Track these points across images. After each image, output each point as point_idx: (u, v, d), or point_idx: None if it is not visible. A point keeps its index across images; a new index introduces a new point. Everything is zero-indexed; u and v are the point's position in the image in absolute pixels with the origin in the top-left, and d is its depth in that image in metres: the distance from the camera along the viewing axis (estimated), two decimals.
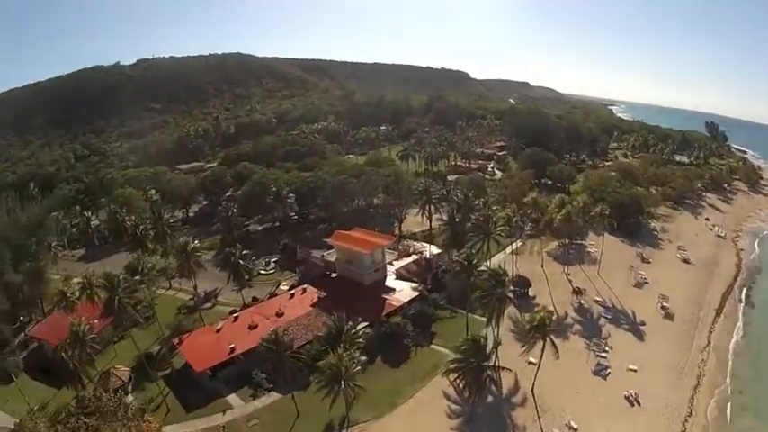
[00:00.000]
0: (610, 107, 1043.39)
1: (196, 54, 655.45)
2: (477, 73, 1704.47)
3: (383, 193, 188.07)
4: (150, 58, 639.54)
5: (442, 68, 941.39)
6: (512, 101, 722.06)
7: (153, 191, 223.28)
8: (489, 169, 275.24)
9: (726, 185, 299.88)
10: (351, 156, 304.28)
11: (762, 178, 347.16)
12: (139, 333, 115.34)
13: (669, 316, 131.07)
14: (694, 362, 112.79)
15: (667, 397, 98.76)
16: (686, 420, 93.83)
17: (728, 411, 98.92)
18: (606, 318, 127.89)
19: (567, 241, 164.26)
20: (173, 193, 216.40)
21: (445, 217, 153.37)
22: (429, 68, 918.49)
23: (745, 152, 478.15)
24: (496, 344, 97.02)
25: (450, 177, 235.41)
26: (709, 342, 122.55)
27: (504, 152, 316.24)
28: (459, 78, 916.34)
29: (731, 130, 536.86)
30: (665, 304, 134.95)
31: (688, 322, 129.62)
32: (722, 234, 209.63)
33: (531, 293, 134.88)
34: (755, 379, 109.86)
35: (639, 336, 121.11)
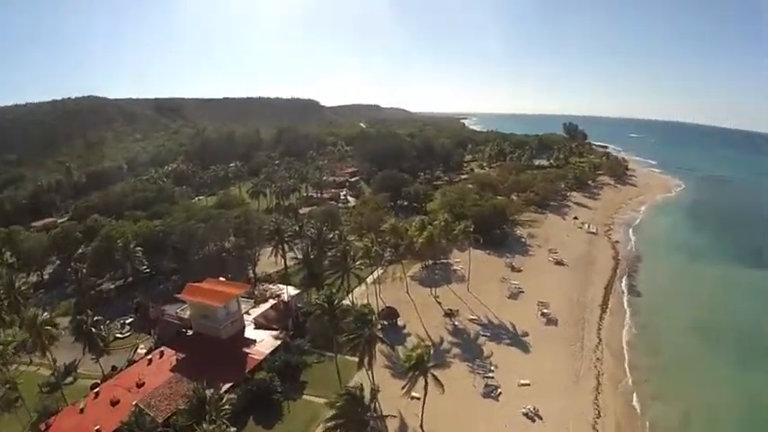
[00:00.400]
0: (462, 120, 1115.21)
1: (50, 99, 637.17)
2: (329, 100, 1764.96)
3: (234, 236, 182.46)
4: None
5: (293, 98, 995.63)
6: (362, 125, 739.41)
7: (8, 254, 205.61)
8: (343, 197, 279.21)
9: (590, 182, 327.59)
10: (200, 198, 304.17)
11: (628, 169, 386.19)
12: (10, 419, 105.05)
13: (552, 322, 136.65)
14: (589, 363, 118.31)
15: (569, 403, 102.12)
16: (596, 423, 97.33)
17: (636, 403, 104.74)
18: (485, 336, 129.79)
19: (430, 262, 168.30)
20: (27, 255, 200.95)
21: (300, 255, 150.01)
22: (279, 99, 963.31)
23: (606, 147, 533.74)
24: (375, 393, 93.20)
25: (302, 210, 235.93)
26: (600, 340, 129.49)
27: (356, 178, 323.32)
28: (310, 107, 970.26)
29: (591, 128, 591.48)
30: (545, 311, 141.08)
31: (573, 325, 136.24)
32: (593, 230, 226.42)
33: (400, 323, 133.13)
34: (656, 366, 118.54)
35: (524, 348, 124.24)
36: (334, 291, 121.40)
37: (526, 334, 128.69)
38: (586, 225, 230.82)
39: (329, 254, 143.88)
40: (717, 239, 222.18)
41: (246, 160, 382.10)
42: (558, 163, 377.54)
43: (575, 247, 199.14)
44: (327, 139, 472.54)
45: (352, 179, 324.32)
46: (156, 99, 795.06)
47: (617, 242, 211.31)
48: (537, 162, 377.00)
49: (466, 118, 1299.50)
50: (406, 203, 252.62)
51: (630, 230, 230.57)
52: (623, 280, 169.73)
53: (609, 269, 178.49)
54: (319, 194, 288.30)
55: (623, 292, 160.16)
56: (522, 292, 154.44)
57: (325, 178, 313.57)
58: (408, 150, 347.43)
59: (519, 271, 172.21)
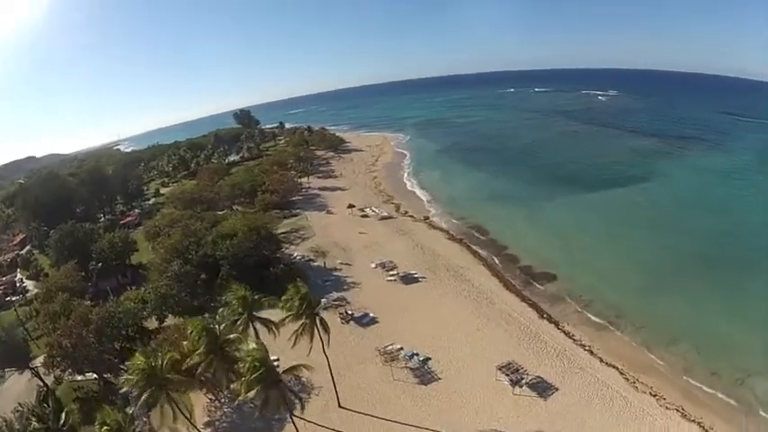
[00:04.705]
0: (116, 147, 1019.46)
1: None
2: None
3: None
4: None
5: None
6: (21, 181, 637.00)
7: None
8: (19, 285, 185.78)
9: (314, 160, 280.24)
10: None
11: (342, 139, 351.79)
12: None
13: (545, 387, 75.81)
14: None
15: None
16: None
17: None
18: None
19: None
20: None
21: None
22: None
23: (282, 125, 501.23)
24: None
25: None
26: (622, 373, 78.95)
27: (27, 247, 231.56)
28: None
29: (260, 113, 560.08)
30: (514, 377, 75.88)
31: (571, 373, 79.14)
32: (385, 213, 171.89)
33: None
34: (697, 349, 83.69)
35: None
36: None
37: None
38: (370, 210, 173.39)
39: None
40: (518, 178, 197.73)
41: None
42: (252, 153, 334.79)
43: (394, 247, 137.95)
44: None
45: (23, 251, 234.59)
46: None
47: (427, 218, 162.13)
48: (229, 159, 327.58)
49: (119, 144, 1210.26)
50: (101, 265, 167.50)
51: (420, 196, 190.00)
52: (511, 268, 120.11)
53: (469, 259, 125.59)
54: None
55: (530, 284, 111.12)
56: (430, 358, 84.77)
57: None
58: (77, 190, 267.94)
59: (375, 322, 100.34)
